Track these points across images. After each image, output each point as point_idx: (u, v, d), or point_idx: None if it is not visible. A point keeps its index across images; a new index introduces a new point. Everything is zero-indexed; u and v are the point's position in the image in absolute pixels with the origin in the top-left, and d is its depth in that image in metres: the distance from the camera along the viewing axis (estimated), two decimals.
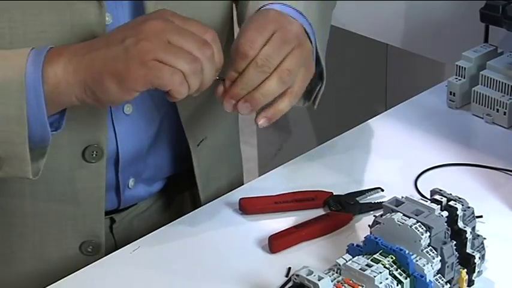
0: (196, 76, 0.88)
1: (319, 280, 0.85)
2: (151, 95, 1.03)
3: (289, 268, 0.97)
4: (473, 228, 0.94)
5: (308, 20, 1.00)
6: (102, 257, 1.03)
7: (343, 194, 1.08)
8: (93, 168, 1.02)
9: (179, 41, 0.88)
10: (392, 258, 0.88)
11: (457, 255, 0.91)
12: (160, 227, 1.05)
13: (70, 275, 0.98)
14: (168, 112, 1.08)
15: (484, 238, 0.95)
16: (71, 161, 1.01)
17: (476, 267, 0.93)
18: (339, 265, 0.89)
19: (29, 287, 1.03)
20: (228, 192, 1.11)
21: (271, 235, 1.01)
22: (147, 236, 1.04)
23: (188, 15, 1.00)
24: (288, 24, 0.96)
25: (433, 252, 0.89)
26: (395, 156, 1.17)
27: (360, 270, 0.87)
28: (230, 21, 1.13)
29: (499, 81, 1.23)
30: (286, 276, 0.96)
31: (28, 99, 0.88)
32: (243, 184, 1.18)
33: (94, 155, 1.01)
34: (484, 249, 0.94)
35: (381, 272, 0.86)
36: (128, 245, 1.02)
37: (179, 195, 1.18)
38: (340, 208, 1.06)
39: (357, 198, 1.08)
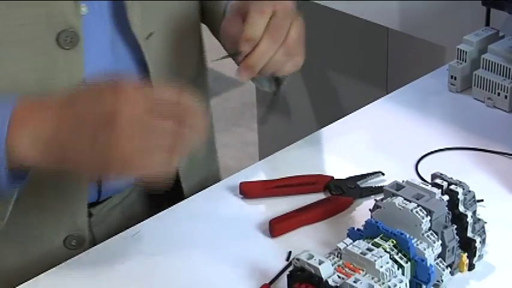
0: (179, 152, 0.86)
1: (319, 264, 0.85)
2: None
3: (290, 252, 0.97)
4: (474, 212, 0.93)
5: None
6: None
7: (343, 178, 1.08)
8: (71, 56, 0.98)
9: (152, 135, 0.84)
10: (393, 242, 0.88)
11: (458, 239, 0.91)
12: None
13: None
14: None
15: (485, 222, 0.94)
16: None
17: (477, 251, 0.93)
18: (340, 249, 0.89)
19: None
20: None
21: (272, 219, 1.01)
22: (147, 220, 1.03)
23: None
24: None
25: (434, 236, 0.89)
26: (396, 140, 1.17)
27: (360, 255, 0.86)
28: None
29: (501, 65, 1.23)
30: (287, 260, 0.96)
31: None
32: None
33: (69, 41, 0.98)
34: (484, 233, 0.94)
35: (381, 256, 0.86)
36: (127, 230, 1.02)
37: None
38: (341, 192, 1.06)
39: (358, 182, 1.07)
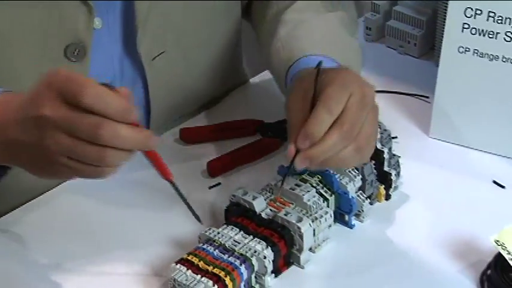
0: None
1: (253, 200, 0.85)
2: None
3: (219, 183, 0.97)
4: (390, 149, 0.94)
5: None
6: None
7: (272, 122, 1.08)
8: (76, 68, 0.91)
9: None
10: (318, 178, 0.89)
11: (376, 173, 0.92)
12: None
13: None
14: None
15: (399, 157, 0.95)
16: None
17: (393, 183, 0.94)
18: (271, 185, 0.89)
19: None
20: None
21: (210, 161, 1.00)
22: None
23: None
24: (365, 86, 0.82)
25: (355, 171, 0.89)
26: None
27: (290, 190, 0.87)
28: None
29: (410, 16, 1.23)
30: (210, 187, 0.96)
31: None
32: None
33: (76, 53, 0.90)
34: (399, 166, 0.95)
35: (308, 191, 0.86)
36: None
37: None
38: (271, 135, 1.06)
39: (285, 125, 1.07)
